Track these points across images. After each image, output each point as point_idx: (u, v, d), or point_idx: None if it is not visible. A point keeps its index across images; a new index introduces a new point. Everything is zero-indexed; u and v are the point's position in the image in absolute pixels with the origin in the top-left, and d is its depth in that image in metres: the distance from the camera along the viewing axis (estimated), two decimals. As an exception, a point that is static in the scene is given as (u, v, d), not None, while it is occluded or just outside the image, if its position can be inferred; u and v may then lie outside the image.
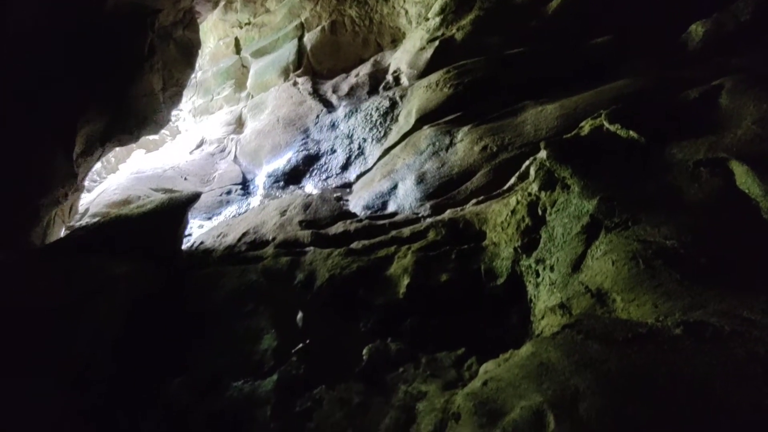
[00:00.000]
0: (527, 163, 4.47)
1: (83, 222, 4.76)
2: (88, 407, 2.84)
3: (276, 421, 2.60)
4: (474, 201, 4.56)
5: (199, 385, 2.90)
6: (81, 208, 5.15)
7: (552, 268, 3.25)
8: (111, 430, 2.85)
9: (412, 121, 6.04)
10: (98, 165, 5.71)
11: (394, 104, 6.65)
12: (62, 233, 4.59)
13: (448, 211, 4.49)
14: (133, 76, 5.02)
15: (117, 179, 5.97)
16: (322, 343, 3.23)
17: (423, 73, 6.79)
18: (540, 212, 3.68)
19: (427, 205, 4.82)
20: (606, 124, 3.83)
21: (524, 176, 4.46)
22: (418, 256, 3.82)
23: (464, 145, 5.32)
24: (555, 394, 1.98)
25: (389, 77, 7.49)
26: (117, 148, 6.16)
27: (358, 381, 2.88)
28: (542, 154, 3.95)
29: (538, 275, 3.37)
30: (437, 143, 5.49)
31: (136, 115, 5.31)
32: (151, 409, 2.95)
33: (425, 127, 5.86)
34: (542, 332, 2.87)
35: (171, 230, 4.08)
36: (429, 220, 4.43)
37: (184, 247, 4.45)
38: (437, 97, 6.16)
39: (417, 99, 6.38)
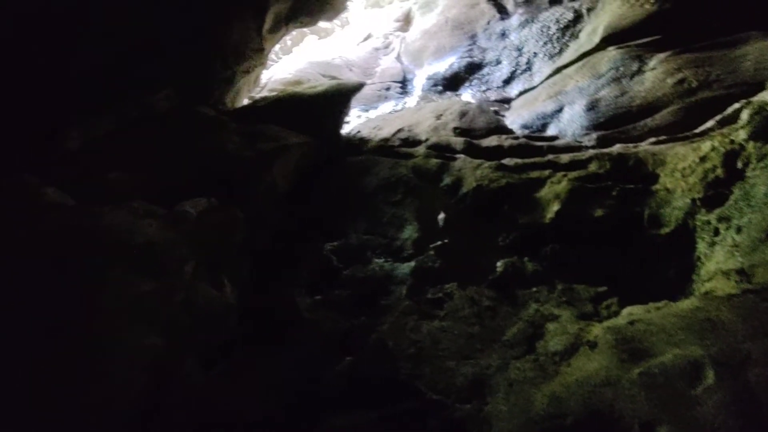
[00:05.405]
0: (737, 105, 3.72)
1: (263, 94, 5.32)
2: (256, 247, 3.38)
3: (410, 300, 2.84)
4: (652, 140, 4.02)
5: (347, 253, 3.25)
6: (261, 82, 5.73)
7: (739, 230, 2.81)
8: (265, 271, 3.36)
9: (597, 39, 5.32)
10: (277, 46, 6.18)
11: (578, 18, 5.88)
12: (245, 101, 5.20)
13: (618, 146, 4.04)
14: (320, -42, 5.14)
15: (291, 61, 6.46)
16: (458, 246, 3.34)
17: (623, -17, 5.80)
18: (741, 165, 3.12)
19: (594, 135, 4.39)
20: None
21: (727, 121, 3.75)
22: (574, 184, 3.58)
23: (655, 75, 4.59)
24: (721, 352, 1.82)
25: (579, -15, 6.55)
26: (293, 32, 6.57)
27: (489, 288, 2.96)
28: (764, 96, 3.25)
29: (716, 233, 2.95)
30: (622, 68, 4.81)
31: (317, -2, 5.50)
32: (301, 265, 3.41)
33: (611, 48, 5.13)
34: (709, 293, 2.58)
35: (336, 113, 4.37)
36: (593, 151, 4.05)
37: (343, 132, 4.76)
38: (634, 13, 5.27)
39: (608, 14, 5.54)
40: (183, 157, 3.50)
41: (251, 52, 4.83)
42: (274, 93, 5.24)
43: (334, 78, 5.84)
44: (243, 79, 4.87)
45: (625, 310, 2.57)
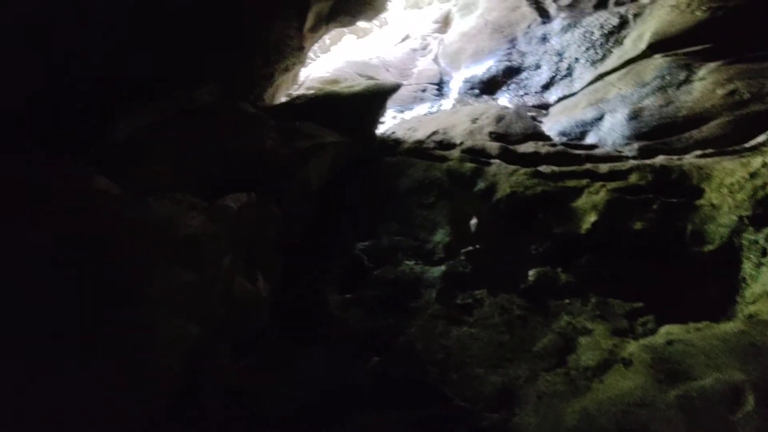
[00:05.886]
0: (793, 120, 3.55)
1: (300, 92, 5.40)
2: (288, 243, 3.44)
3: (439, 304, 2.83)
4: (698, 152, 3.87)
5: (378, 254, 3.27)
6: (299, 80, 5.82)
7: (790, 252, 2.69)
8: (296, 267, 3.41)
9: (643, 46, 5.16)
10: (315, 45, 6.26)
11: (623, 23, 5.72)
12: (284, 99, 5.29)
13: (661, 157, 3.92)
14: (363, -42, 5.17)
15: (330, 59, 6.54)
16: (490, 252, 3.31)
17: (674, -11, 5.60)
18: (794, 183, 2.98)
19: (635, 145, 4.26)
20: None
21: (781, 136, 3.59)
22: (612, 195, 3.49)
23: (704, 85, 4.42)
24: (763, 378, 1.75)
25: (625, -10, 6.37)
26: (332, 31, 6.64)
27: (520, 297, 2.92)
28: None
29: (764, 254, 2.83)
30: (668, 77, 4.66)
31: (358, -2, 5.54)
32: (332, 263, 3.45)
33: (657, 55, 4.97)
34: (753, 316, 2.47)
35: (372, 113, 4.39)
36: (634, 161, 3.94)
37: (378, 132, 4.78)
38: (684, 20, 5.09)
39: (655, 20, 5.37)
40: (222, 151, 3.59)
41: (291, 50, 4.91)
42: (311, 91, 5.31)
43: (371, 78, 5.87)
44: (282, 77, 4.96)
45: (663, 329, 2.50)
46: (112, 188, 2.44)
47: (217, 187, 3.09)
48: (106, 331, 1.82)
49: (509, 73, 5.92)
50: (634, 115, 4.49)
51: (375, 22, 7.46)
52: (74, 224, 2.16)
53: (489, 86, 5.86)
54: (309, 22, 5.17)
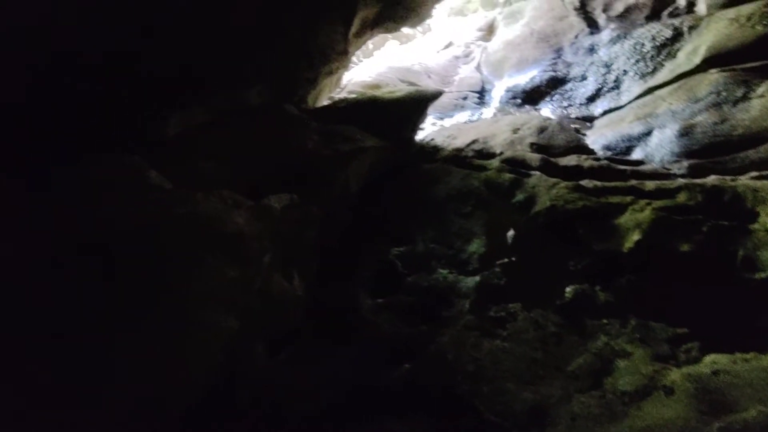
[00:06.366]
0: None
1: (343, 95, 5.48)
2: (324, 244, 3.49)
3: (472, 314, 2.81)
4: (754, 174, 3.69)
5: (412, 260, 3.28)
6: (342, 84, 5.90)
7: None
8: (330, 268, 3.45)
9: (698, 60, 4.96)
10: (358, 49, 6.34)
11: (677, 36, 5.51)
12: (326, 102, 5.38)
13: (713, 177, 3.75)
14: (412, -35, 5.20)
15: (372, 64, 6.61)
16: (526, 266, 3.25)
17: (733, 1, 5.36)
18: None
19: (685, 163, 4.09)
20: None
21: None
22: (658, 214, 3.37)
23: (763, 103, 4.21)
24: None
25: (680, 1, 6.14)
26: (375, 37, 6.70)
27: (556, 313, 2.86)
28: None
29: (823, 285, 2.66)
30: (724, 93, 4.46)
31: (404, 5, 5.58)
32: (365, 266, 3.48)
33: (713, 70, 4.76)
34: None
35: (413, 119, 4.41)
36: (683, 180, 3.79)
37: (417, 138, 4.79)
38: (743, 34, 4.86)
39: (712, 34, 5.15)
40: (264, 151, 3.69)
41: (336, 54, 4.99)
42: (353, 95, 5.38)
43: (412, 84, 5.89)
44: (326, 80, 5.05)
45: (708, 358, 2.39)
46: (165, 183, 2.56)
47: (258, 185, 3.19)
48: (153, 320, 1.91)
49: (553, 84, 5.81)
50: (685, 132, 4.32)
51: (418, 28, 7.49)
52: (128, 216, 2.27)
53: (532, 96, 5.77)
54: (354, 28, 5.24)
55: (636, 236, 3.25)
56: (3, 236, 1.98)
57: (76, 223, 2.11)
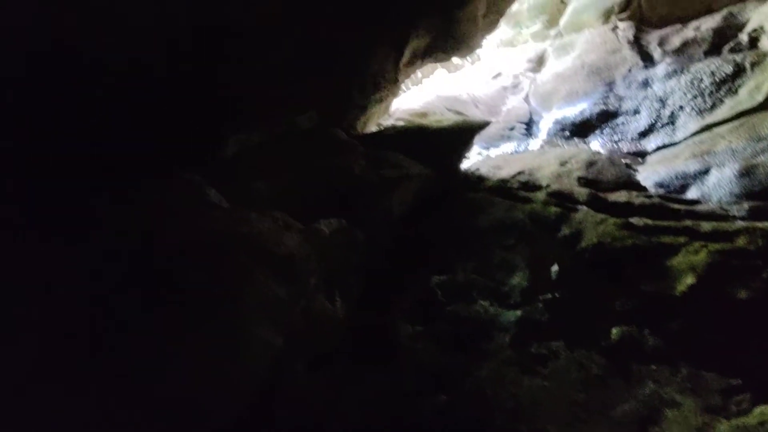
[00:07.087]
0: None
1: (391, 122, 5.62)
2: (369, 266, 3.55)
3: (513, 350, 2.77)
4: (822, 220, 3.47)
5: (453, 290, 3.28)
6: (390, 111, 6.06)
7: None
8: (371, 291, 3.50)
9: (761, 98, 4.77)
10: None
11: (738, 72, 5.32)
12: (374, 128, 5.53)
13: (776, 221, 3.56)
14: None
15: (420, 92, 6.75)
16: (570, 303, 3.18)
17: (800, 38, 5.15)
18: None
19: (745, 205, 3.90)
20: None
21: None
22: (714, 258, 3.23)
23: (833, 146, 3.98)
24: None
25: (743, 36, 5.95)
26: (425, 66, 6.86)
27: (600, 355, 2.77)
28: None
29: None
30: (790, 134, 4.25)
31: (454, 36, 5.70)
32: (406, 293, 3.50)
33: (778, 109, 4.57)
34: None
35: (459, 149, 4.46)
36: (742, 222, 3.62)
37: (462, 167, 4.83)
38: (812, 73, 4.65)
39: (778, 71, 4.95)
40: (313, 173, 3.84)
41: (386, 83, 5.15)
42: (401, 122, 5.51)
43: (459, 113, 5.96)
44: (375, 107, 5.21)
45: (757, 409, 2.26)
46: (222, 201, 2.72)
47: (305, 206, 3.31)
48: (205, 334, 2.02)
49: (604, 117, 5.72)
50: (746, 172, 4.13)
51: (468, 58, 7.59)
52: (188, 231, 2.43)
53: (581, 129, 5.70)
54: (405, 57, 5.41)
55: (690, 279, 3.12)
56: (86, 243, 2.17)
57: (145, 234, 2.28)
